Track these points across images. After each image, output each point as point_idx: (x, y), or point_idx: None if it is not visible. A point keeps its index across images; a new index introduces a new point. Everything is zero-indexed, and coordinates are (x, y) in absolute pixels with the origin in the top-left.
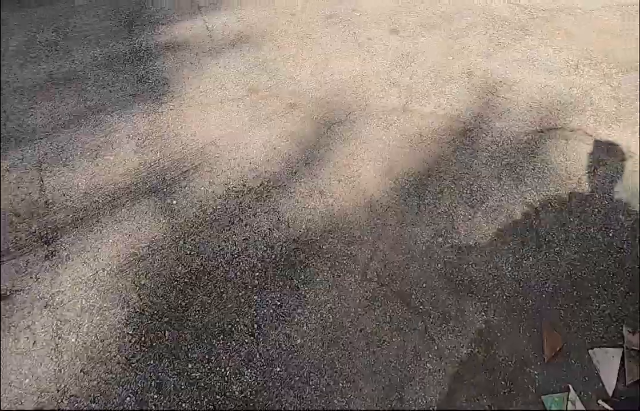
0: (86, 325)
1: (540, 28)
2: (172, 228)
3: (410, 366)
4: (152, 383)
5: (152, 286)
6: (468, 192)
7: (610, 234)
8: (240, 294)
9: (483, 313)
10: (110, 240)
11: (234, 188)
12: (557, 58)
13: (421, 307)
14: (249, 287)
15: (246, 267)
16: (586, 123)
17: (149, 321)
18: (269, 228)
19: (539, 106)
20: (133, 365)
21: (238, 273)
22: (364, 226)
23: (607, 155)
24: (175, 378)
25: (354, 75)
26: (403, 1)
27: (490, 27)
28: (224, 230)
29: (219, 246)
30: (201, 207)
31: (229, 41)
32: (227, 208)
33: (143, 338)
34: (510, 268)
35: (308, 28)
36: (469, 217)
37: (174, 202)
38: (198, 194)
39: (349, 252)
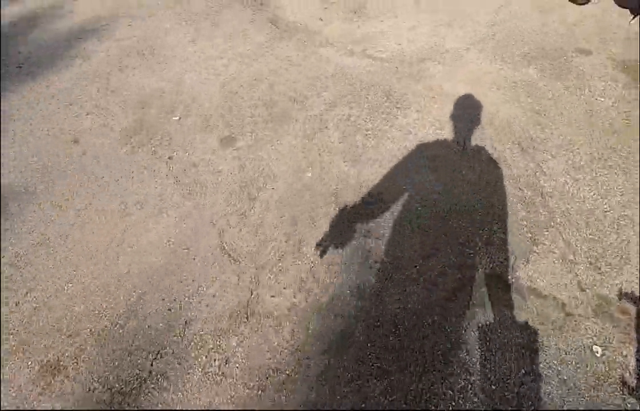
0: None
1: (411, 92)
2: None
3: None
4: None
5: None
6: None
7: None
8: None
9: None
10: None
11: None
12: (441, 143)
13: None
14: None
15: None
16: (499, 260)
17: None
18: None
19: (434, 246)
20: None
21: None
22: None
23: (539, 319)
24: None
25: (169, 253)
26: (240, 80)
27: (353, 105)
28: None
29: None
30: None
31: None
32: None
33: None
34: None
35: (97, 166)
36: None
37: None
38: None
39: None
